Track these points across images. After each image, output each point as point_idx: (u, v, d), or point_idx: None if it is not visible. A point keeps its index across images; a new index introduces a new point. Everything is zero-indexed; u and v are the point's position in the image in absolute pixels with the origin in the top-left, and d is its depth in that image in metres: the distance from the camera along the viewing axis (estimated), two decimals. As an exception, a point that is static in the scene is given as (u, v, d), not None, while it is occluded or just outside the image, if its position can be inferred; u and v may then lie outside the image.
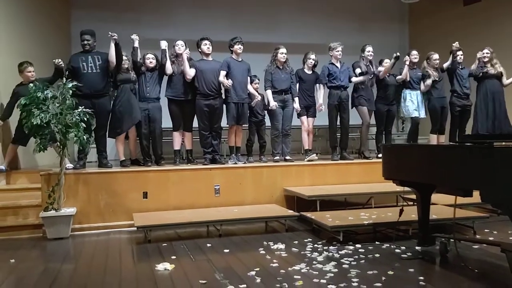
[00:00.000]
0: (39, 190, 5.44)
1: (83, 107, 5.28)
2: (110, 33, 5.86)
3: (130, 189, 5.69)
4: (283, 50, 6.69)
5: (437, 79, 7.28)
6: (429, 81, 7.27)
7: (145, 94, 6.32)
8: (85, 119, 5.21)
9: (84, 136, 5.23)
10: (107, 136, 6.16)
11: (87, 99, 5.63)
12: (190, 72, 6.33)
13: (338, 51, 6.84)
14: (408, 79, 7.29)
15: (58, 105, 5.13)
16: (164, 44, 6.39)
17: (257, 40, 9.00)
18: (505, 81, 7.25)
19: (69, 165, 5.78)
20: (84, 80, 5.64)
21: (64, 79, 5.26)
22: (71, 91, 5.18)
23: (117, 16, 9.16)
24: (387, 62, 7.19)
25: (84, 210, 5.49)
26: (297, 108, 6.79)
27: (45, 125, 5.00)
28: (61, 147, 5.24)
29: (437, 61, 7.33)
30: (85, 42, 5.86)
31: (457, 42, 7.30)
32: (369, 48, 7.06)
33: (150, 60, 6.33)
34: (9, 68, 5.86)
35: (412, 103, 7.32)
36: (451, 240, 4.04)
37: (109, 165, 6.01)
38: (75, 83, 5.28)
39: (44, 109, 5.03)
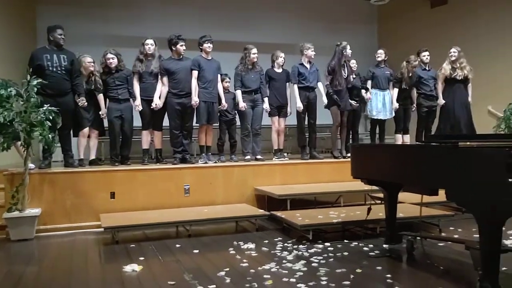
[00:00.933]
0: (2, 190, 5.28)
1: (48, 105, 5.14)
2: (80, 101, 5.83)
3: (97, 189, 5.58)
4: (255, 50, 6.69)
5: (406, 87, 7.42)
6: (395, 92, 7.42)
7: (118, 95, 6.22)
8: (51, 117, 5.07)
9: (50, 135, 5.09)
10: (71, 135, 6.04)
11: (50, 97, 5.47)
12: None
13: (313, 51, 6.86)
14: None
15: (22, 103, 4.97)
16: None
17: (227, 38, 8.97)
18: (469, 86, 7.38)
19: (31, 165, 5.57)
20: (49, 79, 5.45)
21: (28, 76, 5.10)
22: (35, 89, 5.03)
23: (84, 12, 8.98)
24: (354, 64, 7.29)
25: (49, 210, 5.35)
26: (266, 108, 6.80)
27: (8, 123, 4.85)
28: (25, 146, 5.08)
29: (416, 68, 7.43)
30: (63, 36, 5.71)
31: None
32: (348, 46, 7.04)
33: (110, 61, 6.23)
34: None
35: (377, 104, 7.44)
36: (418, 238, 4.13)
37: (76, 165, 5.88)
38: (40, 80, 5.13)
39: (8, 107, 4.87)
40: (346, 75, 7.06)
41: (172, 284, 3.42)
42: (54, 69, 5.65)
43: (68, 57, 5.77)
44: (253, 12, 10.09)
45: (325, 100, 6.96)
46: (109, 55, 6.23)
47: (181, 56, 6.36)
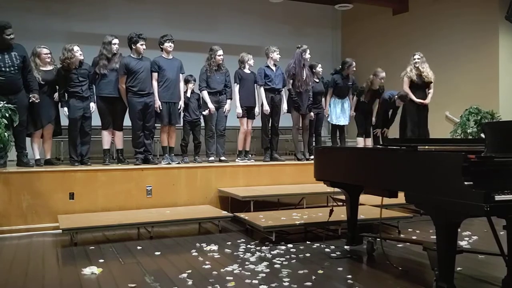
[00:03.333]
0: (-47, 190, 5.05)
1: (4, 102, 4.95)
2: (32, 97, 5.66)
3: (55, 189, 5.42)
4: (220, 52, 6.66)
5: (366, 101, 7.59)
6: (354, 100, 7.63)
7: (81, 92, 6.05)
8: (7, 115, 4.88)
9: (6, 133, 4.90)
10: (25, 132, 5.84)
11: (3, 96, 5.24)
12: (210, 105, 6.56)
13: (278, 54, 6.90)
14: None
15: (-24, 100, 4.78)
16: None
17: (192, 39, 8.92)
18: (428, 95, 7.55)
19: None
20: (2, 79, 5.23)
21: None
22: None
23: (45, 7, 8.68)
24: (320, 68, 7.40)
25: (4, 211, 5.16)
26: (227, 110, 6.81)
27: (-39, 121, 4.65)
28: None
29: (383, 80, 7.60)
30: (12, 36, 5.47)
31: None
32: (307, 50, 7.08)
33: (79, 54, 6.05)
34: None
35: (336, 110, 7.61)
36: (378, 239, 4.21)
37: (31, 164, 5.68)
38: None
39: (-39, 105, 4.67)
40: (304, 77, 7.10)
41: (133, 286, 3.36)
42: (7, 69, 5.44)
43: (19, 53, 5.55)
44: (218, 13, 10.04)
45: (284, 108, 7.04)
46: (77, 48, 6.02)
47: (141, 56, 6.26)
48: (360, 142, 7.78)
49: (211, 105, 6.58)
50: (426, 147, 3.35)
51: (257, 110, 6.96)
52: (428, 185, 3.02)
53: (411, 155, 3.20)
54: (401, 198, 3.45)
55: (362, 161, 3.86)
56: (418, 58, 7.47)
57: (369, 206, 5.50)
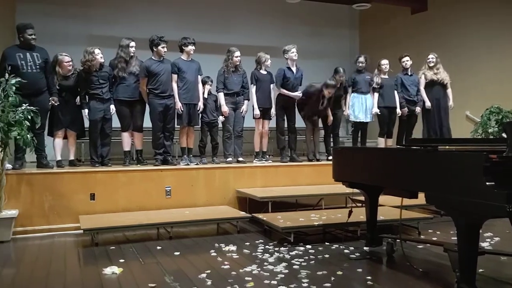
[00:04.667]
0: (-22, 191, 5.16)
1: (27, 104, 5.05)
2: (52, 100, 5.82)
3: (77, 190, 5.50)
4: (238, 53, 6.68)
5: (376, 86, 7.51)
6: (376, 96, 7.52)
7: (102, 94, 6.14)
8: (29, 117, 4.98)
9: (28, 135, 4.99)
10: (45, 135, 5.96)
11: (26, 97, 5.30)
12: (224, 108, 6.60)
13: (293, 52, 6.88)
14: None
15: (0, 102, 4.88)
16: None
17: (209, 40, 8.95)
18: (449, 91, 7.52)
19: (8, 166, 5.43)
20: (24, 79, 5.26)
21: (7, 75, 5.00)
22: (14, 88, 4.93)
23: (64, 10, 8.83)
24: (340, 72, 7.34)
25: (27, 212, 5.25)
26: (244, 111, 6.81)
27: (-15, 123, 4.75)
28: (2, 146, 4.98)
29: (385, 66, 7.53)
30: (34, 36, 5.60)
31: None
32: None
33: (101, 55, 6.13)
34: None
35: (359, 107, 7.51)
36: (397, 240, 4.17)
37: (50, 166, 5.78)
38: (19, 79, 5.03)
39: (-16, 107, 4.78)
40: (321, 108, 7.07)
41: (153, 286, 3.39)
42: (29, 69, 5.55)
43: (41, 55, 5.67)
44: (235, 14, 10.07)
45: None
46: (98, 51, 6.09)
47: (162, 58, 6.32)
48: (381, 142, 7.70)
49: (225, 108, 6.61)
50: (447, 147, 3.31)
51: (273, 111, 6.95)
52: (449, 186, 2.98)
53: (431, 155, 3.17)
54: (421, 199, 3.41)
55: (382, 161, 3.83)
56: (432, 58, 7.43)
57: (389, 207, 5.45)
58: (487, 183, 2.69)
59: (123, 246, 4.69)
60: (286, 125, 7.10)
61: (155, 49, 6.27)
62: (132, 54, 6.33)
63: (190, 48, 6.35)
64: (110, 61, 6.36)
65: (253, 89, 6.84)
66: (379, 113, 7.51)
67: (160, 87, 6.21)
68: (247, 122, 7.09)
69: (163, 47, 6.25)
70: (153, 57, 6.31)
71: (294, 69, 6.94)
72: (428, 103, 7.42)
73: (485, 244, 4.53)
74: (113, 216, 5.31)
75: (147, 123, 6.55)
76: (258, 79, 6.85)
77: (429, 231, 5.26)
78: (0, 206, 4.95)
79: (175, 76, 6.30)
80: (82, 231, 4.79)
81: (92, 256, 4.33)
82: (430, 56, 7.49)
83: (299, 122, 7.27)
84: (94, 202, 5.55)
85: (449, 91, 7.50)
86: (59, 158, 6.07)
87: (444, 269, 3.77)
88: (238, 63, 6.70)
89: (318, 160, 7.16)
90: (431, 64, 7.46)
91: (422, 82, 7.52)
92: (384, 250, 4.27)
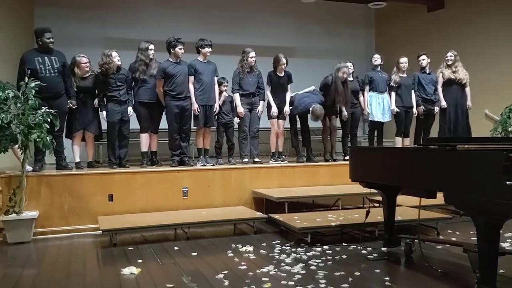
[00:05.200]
0: (0, 193, 5.26)
1: (46, 107, 5.13)
2: (70, 103, 5.91)
3: (95, 191, 5.57)
4: (253, 53, 6.69)
5: (394, 85, 7.43)
6: (393, 95, 7.44)
7: (119, 96, 6.20)
8: (48, 120, 5.06)
9: (47, 138, 5.07)
10: (64, 137, 6.05)
11: (45, 100, 5.36)
12: (240, 109, 6.63)
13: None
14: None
15: (20, 105, 4.96)
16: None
17: (224, 41, 8.97)
18: (467, 90, 7.42)
19: (29, 168, 5.54)
20: (43, 83, 5.31)
21: (26, 78, 5.08)
22: (33, 91, 5.02)
23: (81, 14, 8.97)
24: (349, 67, 7.29)
25: (46, 213, 5.33)
26: (260, 111, 6.81)
27: (6, 126, 4.83)
28: (23, 148, 5.06)
29: (404, 64, 7.46)
30: (52, 39, 5.69)
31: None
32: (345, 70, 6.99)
33: (117, 60, 6.20)
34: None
35: (377, 106, 7.45)
36: (416, 241, 4.12)
37: (69, 167, 5.86)
38: (38, 82, 5.12)
39: (5, 110, 4.86)
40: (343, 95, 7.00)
41: (171, 286, 3.41)
42: (48, 72, 5.64)
43: (59, 59, 5.76)
44: (250, 15, 10.08)
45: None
46: (115, 54, 6.17)
47: (179, 60, 6.36)
48: (398, 141, 7.63)
49: (240, 109, 6.62)
50: (466, 146, 3.27)
51: (286, 109, 6.92)
52: (468, 185, 2.94)
53: (450, 155, 3.13)
54: (440, 198, 3.37)
55: (400, 161, 3.79)
56: (450, 56, 7.34)
57: (407, 207, 5.40)
58: (507, 182, 2.65)
59: (141, 246, 4.73)
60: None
61: (172, 51, 6.32)
62: (152, 57, 6.39)
63: (207, 50, 6.38)
64: (130, 64, 6.44)
65: (268, 90, 6.84)
66: (398, 111, 7.43)
67: (176, 89, 6.25)
68: (263, 123, 7.10)
69: (180, 49, 6.29)
70: (170, 59, 6.35)
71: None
72: (443, 103, 7.33)
73: (505, 245, 4.45)
74: (131, 217, 5.37)
75: (163, 124, 6.60)
76: (272, 80, 6.85)
77: (448, 231, 5.19)
78: (21, 208, 5.04)
79: (191, 78, 6.33)
80: (100, 231, 4.86)
81: (110, 257, 4.38)
82: (449, 54, 7.41)
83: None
84: (112, 203, 5.61)
85: (468, 90, 7.41)
86: (78, 160, 6.15)
87: (464, 270, 3.72)
88: (253, 63, 6.71)
89: (334, 160, 7.13)
90: (449, 62, 7.37)
91: (440, 81, 7.44)
92: (402, 250, 4.23)
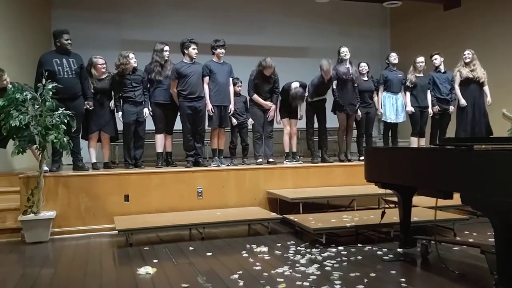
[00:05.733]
0: (18, 193, 5.33)
1: (63, 108, 5.20)
2: (87, 105, 5.97)
3: (111, 192, 5.62)
4: (271, 67, 6.55)
5: (410, 85, 7.36)
6: (408, 95, 7.39)
7: (135, 97, 6.25)
8: (66, 121, 5.13)
9: (65, 138, 5.14)
10: (80, 138, 6.12)
11: (62, 102, 5.44)
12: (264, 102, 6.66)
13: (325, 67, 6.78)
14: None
15: (37, 106, 5.04)
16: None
17: (239, 42, 9.00)
18: (486, 89, 7.32)
19: (46, 168, 5.60)
20: (60, 84, 5.39)
21: (44, 80, 5.16)
22: (51, 93, 5.09)
23: (98, 15, 9.08)
24: (363, 67, 7.26)
25: (64, 213, 5.40)
26: (271, 117, 6.78)
27: (24, 127, 4.91)
28: (41, 149, 5.14)
29: (420, 64, 7.38)
30: (69, 41, 5.76)
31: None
32: (343, 49, 6.99)
33: (133, 61, 6.26)
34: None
35: (390, 107, 7.40)
36: (432, 242, 4.09)
37: (86, 168, 5.93)
38: (56, 84, 5.19)
39: (23, 111, 4.94)
40: (348, 75, 6.95)
41: (186, 286, 3.43)
42: (65, 74, 5.71)
43: (77, 60, 5.83)
44: (264, 16, 10.08)
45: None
46: (132, 55, 6.23)
47: (193, 60, 6.38)
48: (414, 142, 7.55)
49: (264, 102, 6.63)
50: (483, 146, 3.23)
51: (299, 112, 6.90)
52: (485, 186, 2.91)
53: (467, 155, 3.10)
54: (456, 199, 3.34)
55: (415, 161, 3.76)
56: (468, 54, 7.25)
57: (423, 207, 5.35)
58: (526, 183, 2.61)
59: (156, 246, 4.76)
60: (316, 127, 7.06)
61: (186, 52, 6.35)
62: (167, 58, 6.43)
63: (219, 51, 6.39)
64: (145, 66, 6.49)
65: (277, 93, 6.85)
66: (413, 111, 7.37)
67: (189, 89, 6.27)
68: (276, 123, 7.07)
69: (193, 49, 6.32)
70: (184, 60, 6.38)
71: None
72: (462, 101, 7.24)
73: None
74: (147, 217, 5.41)
75: (178, 125, 6.64)
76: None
77: (465, 232, 5.13)
78: (39, 208, 5.11)
79: (206, 78, 6.35)
80: (117, 231, 4.91)
81: (126, 257, 4.42)
82: (466, 52, 7.31)
83: (332, 122, 7.20)
84: (128, 203, 5.66)
85: (486, 88, 7.30)
86: (94, 160, 6.22)
87: (481, 271, 3.67)
88: (269, 74, 6.64)
89: (349, 160, 7.10)
90: (467, 60, 7.27)
91: (457, 80, 7.34)
92: (418, 251, 4.20)
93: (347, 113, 7.05)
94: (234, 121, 6.72)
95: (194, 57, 6.36)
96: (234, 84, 6.71)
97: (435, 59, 7.45)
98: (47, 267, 4.16)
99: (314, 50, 9.98)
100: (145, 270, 3.83)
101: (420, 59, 7.38)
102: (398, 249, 4.37)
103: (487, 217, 3.01)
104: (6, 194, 5.54)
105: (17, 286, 3.58)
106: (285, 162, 6.84)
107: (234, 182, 6.16)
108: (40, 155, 5.19)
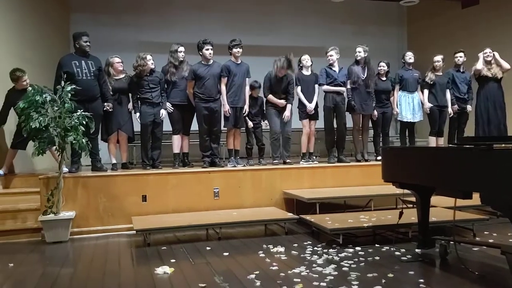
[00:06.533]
0: (38, 193, 5.42)
1: (82, 110, 5.28)
2: (107, 106, 6.04)
3: (129, 192, 5.68)
4: (283, 67, 6.55)
5: (430, 81, 7.27)
6: (426, 93, 7.30)
7: (152, 98, 6.31)
8: (84, 122, 5.20)
9: (83, 140, 5.21)
10: (99, 139, 6.20)
11: (80, 103, 5.52)
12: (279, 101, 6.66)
13: (331, 55, 6.82)
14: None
15: (57, 108, 5.12)
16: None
17: (254, 43, 9.01)
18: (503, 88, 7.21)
19: (65, 169, 5.69)
20: (79, 86, 5.47)
21: (63, 82, 5.24)
22: (69, 94, 5.17)
23: (116, 18, 9.20)
24: (383, 67, 7.22)
25: (83, 213, 5.48)
26: (287, 117, 6.73)
27: (43, 128, 4.99)
28: (60, 150, 5.22)
29: (439, 64, 7.29)
30: (88, 43, 5.84)
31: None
32: (357, 49, 6.96)
33: (150, 63, 6.31)
34: (7, 72, 5.80)
35: (406, 106, 7.34)
36: (451, 242, 4.04)
37: (104, 169, 6.00)
38: (74, 86, 5.26)
39: (43, 113, 5.02)
40: (364, 76, 6.92)
41: (203, 286, 3.45)
42: (84, 76, 5.78)
43: (95, 63, 5.90)
44: (279, 16, 10.09)
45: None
46: (149, 57, 6.28)
47: (210, 61, 6.41)
48: (432, 141, 7.47)
49: (279, 101, 6.62)
50: (503, 145, 3.18)
51: (310, 105, 6.86)
52: (505, 185, 2.87)
53: (486, 154, 3.06)
54: (476, 199, 3.30)
55: (434, 161, 3.72)
56: (490, 53, 7.15)
57: (441, 208, 5.29)
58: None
59: (173, 246, 4.80)
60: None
61: (201, 53, 6.39)
62: (182, 59, 6.47)
63: (236, 50, 6.40)
64: (162, 67, 6.55)
65: (298, 89, 6.83)
66: (431, 111, 7.28)
67: (204, 91, 6.31)
68: (294, 123, 7.05)
69: (207, 49, 6.34)
70: (202, 61, 6.41)
71: (336, 68, 6.86)
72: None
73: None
74: (164, 217, 5.45)
75: (194, 126, 6.67)
76: (299, 80, 6.84)
77: (485, 233, 5.05)
78: (58, 208, 5.19)
79: (224, 79, 6.36)
80: (134, 231, 4.95)
81: (144, 256, 4.46)
82: (488, 50, 7.19)
83: (348, 122, 7.17)
84: (145, 203, 5.71)
85: (502, 85, 7.19)
86: (114, 161, 6.29)
87: (502, 273, 3.62)
88: (282, 75, 6.63)
89: (366, 160, 7.05)
90: (489, 59, 7.15)
91: (476, 76, 7.24)
92: (437, 252, 4.15)
93: (361, 113, 7.02)
94: (250, 123, 6.74)
95: (209, 58, 6.37)
96: (253, 88, 6.70)
97: (460, 57, 7.35)
98: (67, 267, 4.22)
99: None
100: (163, 270, 3.86)
101: (438, 58, 7.30)
102: (417, 250, 4.33)
103: (507, 217, 2.97)
104: (27, 194, 5.63)
105: (37, 285, 3.64)
106: (301, 162, 6.83)
107: (250, 182, 6.17)
108: (60, 156, 5.27)
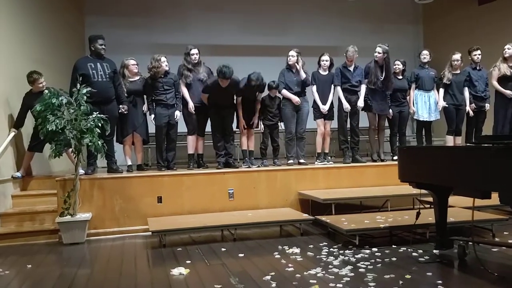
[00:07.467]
0: (55, 195, 5.48)
1: (97, 112, 5.32)
2: (122, 108, 6.08)
3: (145, 193, 5.71)
4: (291, 52, 6.62)
5: (447, 82, 7.17)
6: (441, 92, 7.20)
7: (166, 100, 6.33)
8: (100, 124, 5.24)
9: (99, 142, 5.25)
10: (114, 141, 6.23)
11: (96, 105, 5.56)
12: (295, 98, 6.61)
13: (351, 53, 6.76)
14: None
15: (73, 111, 5.17)
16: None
17: (269, 43, 9.00)
18: None
19: (81, 171, 5.74)
20: (95, 88, 5.52)
21: (78, 85, 5.29)
22: (85, 97, 5.21)
23: (130, 21, 9.26)
24: (398, 65, 7.14)
25: (99, 215, 5.52)
26: (323, 108, 6.72)
27: (60, 131, 5.04)
28: (76, 152, 5.27)
29: (457, 62, 7.18)
30: (104, 46, 5.89)
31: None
32: (378, 49, 6.84)
33: (165, 65, 6.34)
34: (24, 75, 5.89)
35: (422, 105, 7.25)
36: (470, 243, 3.97)
37: (120, 170, 6.04)
38: (90, 89, 5.31)
39: (59, 115, 5.08)
40: (383, 77, 6.85)
41: (219, 287, 3.44)
42: (99, 78, 5.82)
43: (110, 65, 5.94)
44: (294, 15, 10.06)
45: (361, 103, 6.83)
46: (164, 59, 6.31)
47: (226, 83, 6.25)
48: (450, 140, 7.35)
49: (295, 97, 6.60)
50: (523, 144, 3.11)
51: (324, 107, 6.81)
52: (526, 185, 2.80)
53: (505, 153, 2.99)
54: (495, 199, 3.23)
55: (451, 160, 3.66)
56: (508, 49, 6.99)
57: (459, 208, 5.21)
58: None
59: (189, 247, 4.80)
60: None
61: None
62: (196, 61, 6.48)
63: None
64: (178, 69, 6.57)
65: (313, 88, 6.79)
66: (447, 107, 7.17)
67: (217, 103, 6.35)
68: (309, 123, 7.02)
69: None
70: (220, 82, 6.27)
71: (351, 68, 6.80)
72: (508, 92, 6.93)
73: None
74: (179, 218, 5.46)
75: (208, 127, 6.67)
76: (316, 80, 6.80)
77: (505, 233, 4.96)
78: (75, 210, 5.24)
79: (239, 99, 6.48)
80: (150, 233, 4.98)
81: (160, 257, 4.47)
82: (507, 46, 7.02)
83: (364, 121, 7.11)
84: (161, 204, 5.74)
85: None
86: (129, 163, 6.34)
87: (523, 274, 3.55)
88: (293, 63, 6.64)
89: (382, 160, 6.99)
90: (507, 55, 6.99)
91: (495, 75, 7.07)
92: (456, 253, 4.08)
93: (377, 112, 6.95)
94: (262, 126, 6.73)
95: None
96: (271, 88, 6.66)
97: (479, 54, 7.21)
98: (84, 268, 4.25)
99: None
100: (179, 271, 3.87)
101: (456, 56, 7.17)
102: (434, 251, 4.26)
103: (528, 217, 2.90)
104: (44, 196, 5.71)
105: (55, 286, 3.68)
106: (316, 162, 6.79)
107: (265, 183, 6.15)
108: (76, 158, 5.32)
